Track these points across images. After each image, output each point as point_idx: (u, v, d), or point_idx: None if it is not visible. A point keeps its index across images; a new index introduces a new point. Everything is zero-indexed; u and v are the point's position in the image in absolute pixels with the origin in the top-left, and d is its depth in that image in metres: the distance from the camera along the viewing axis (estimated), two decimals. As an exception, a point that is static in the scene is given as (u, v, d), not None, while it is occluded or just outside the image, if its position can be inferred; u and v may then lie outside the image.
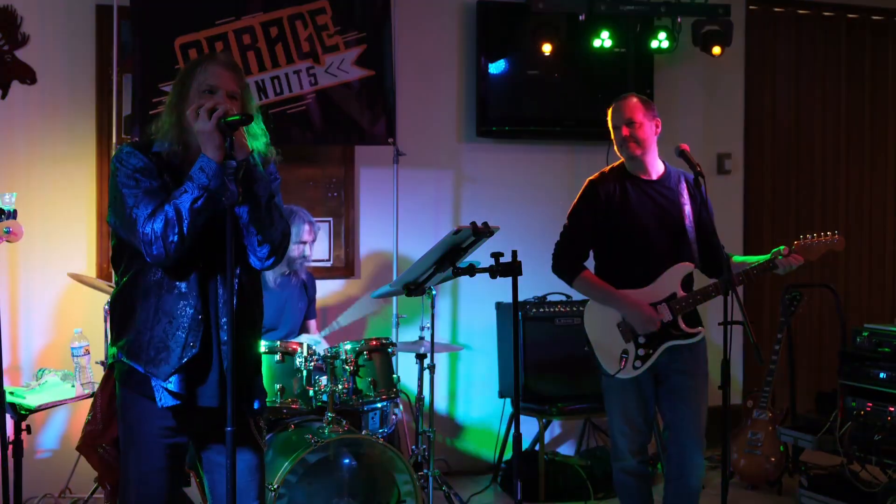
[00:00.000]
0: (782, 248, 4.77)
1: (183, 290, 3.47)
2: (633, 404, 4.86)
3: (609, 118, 4.91)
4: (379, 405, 5.58)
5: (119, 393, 3.58)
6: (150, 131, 3.55)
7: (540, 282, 6.54)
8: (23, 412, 5.04)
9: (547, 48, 6.91)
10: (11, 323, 6.14)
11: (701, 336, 4.81)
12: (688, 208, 4.83)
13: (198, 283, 3.48)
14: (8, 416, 4.72)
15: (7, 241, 4.08)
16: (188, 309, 3.46)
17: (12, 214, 4.44)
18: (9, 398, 4.93)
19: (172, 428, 3.54)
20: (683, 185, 4.88)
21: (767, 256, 4.80)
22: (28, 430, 5.02)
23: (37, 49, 6.24)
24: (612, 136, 4.88)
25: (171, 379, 3.46)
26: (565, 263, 4.93)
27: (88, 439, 3.73)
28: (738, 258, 5.00)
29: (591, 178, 5.02)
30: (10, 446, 4.82)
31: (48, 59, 6.27)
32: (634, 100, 4.86)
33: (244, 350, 3.58)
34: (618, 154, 4.93)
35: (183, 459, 3.67)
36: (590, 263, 4.98)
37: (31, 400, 5.14)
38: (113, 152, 5.97)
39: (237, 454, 3.36)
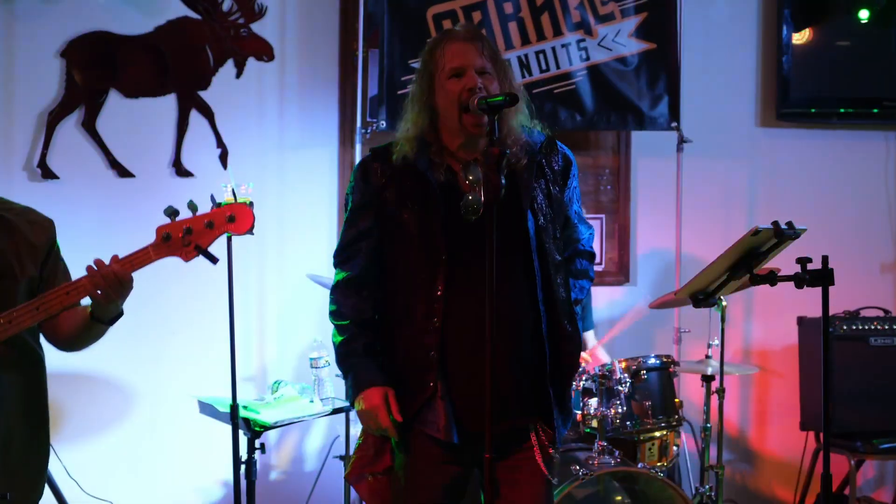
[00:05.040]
0: None
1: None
2: None
3: None
4: (657, 434, 5.39)
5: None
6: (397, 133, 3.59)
7: (852, 294, 6.30)
8: (257, 429, 4.94)
9: (863, 14, 6.43)
10: (244, 329, 6.07)
11: None
12: None
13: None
14: (241, 433, 4.73)
15: (230, 231, 3.40)
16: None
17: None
18: (242, 413, 4.82)
19: (452, 455, 3.49)
20: None
21: None
22: (262, 448, 4.96)
23: (275, 22, 6.14)
24: None
25: None
26: None
27: (358, 466, 3.64)
28: None
29: None
30: (243, 466, 4.82)
31: (287, 33, 6.17)
32: None
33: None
34: None
35: (464, 489, 3.61)
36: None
37: (267, 416, 5.02)
38: (356, 137, 6.02)
39: (524, 480, 3.48)
